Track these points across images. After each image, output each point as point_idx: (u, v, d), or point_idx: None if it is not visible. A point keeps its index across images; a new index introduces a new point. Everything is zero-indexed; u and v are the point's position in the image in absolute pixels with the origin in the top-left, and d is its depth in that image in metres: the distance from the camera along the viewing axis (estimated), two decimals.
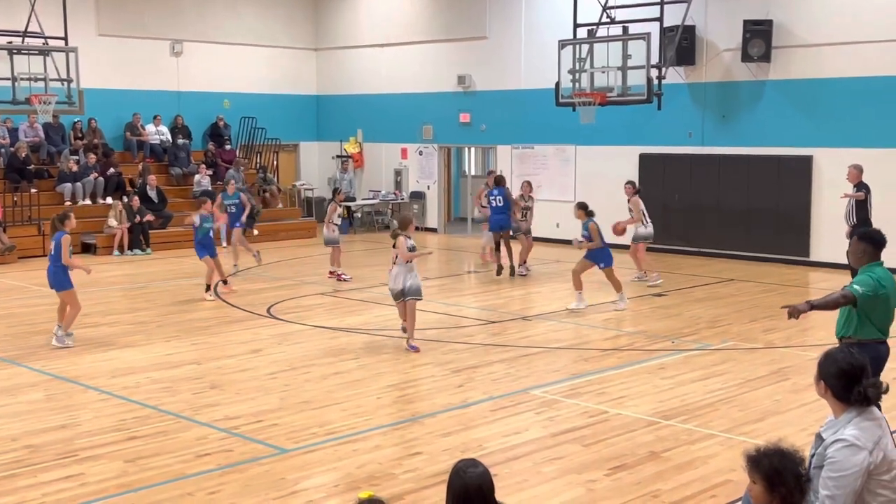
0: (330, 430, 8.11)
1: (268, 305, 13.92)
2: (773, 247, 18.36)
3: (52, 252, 11.33)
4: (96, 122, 22.38)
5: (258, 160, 25.09)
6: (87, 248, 19.97)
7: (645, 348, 11.27)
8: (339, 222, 16.83)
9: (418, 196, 24.87)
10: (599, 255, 13.49)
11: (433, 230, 24.50)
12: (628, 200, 15.99)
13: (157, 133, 23.55)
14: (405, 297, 10.94)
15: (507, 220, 16.99)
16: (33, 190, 20.61)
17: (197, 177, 22.90)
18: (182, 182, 23.22)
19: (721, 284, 15.98)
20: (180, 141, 23.65)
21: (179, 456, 7.44)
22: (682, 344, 11.41)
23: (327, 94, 26.64)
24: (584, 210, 13.71)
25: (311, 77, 26.75)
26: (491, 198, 17.08)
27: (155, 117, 23.48)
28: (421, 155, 24.75)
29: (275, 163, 25.68)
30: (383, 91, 25.13)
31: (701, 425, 8.20)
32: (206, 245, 14.66)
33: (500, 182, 17.31)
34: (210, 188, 22.17)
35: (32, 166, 20.88)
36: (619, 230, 15.35)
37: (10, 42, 17.81)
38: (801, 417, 8.44)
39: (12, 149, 20.76)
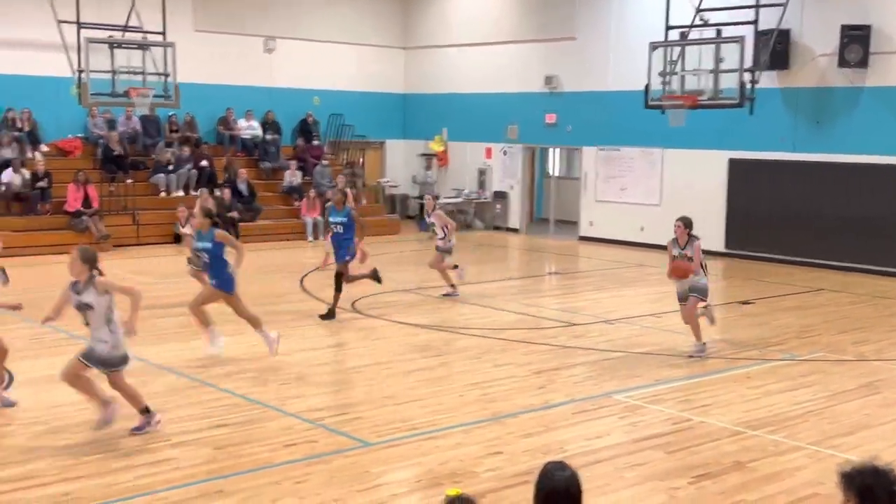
0: (412, 425, 8.20)
1: (352, 301, 14.10)
2: (865, 257, 17.90)
3: None
4: (191, 115, 22.93)
5: (345, 157, 25.44)
6: (178, 239, 20.49)
7: (731, 357, 11.11)
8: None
9: (501, 196, 24.90)
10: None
11: (515, 230, 24.50)
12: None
13: (248, 128, 24.03)
14: None
15: None
16: (129, 180, 21.25)
17: (287, 173, 23.31)
18: (271, 176, 23.65)
19: (810, 294, 15.65)
20: (270, 136, 24.10)
21: (267, 445, 7.61)
22: (769, 353, 11.22)
23: (414, 92, 26.83)
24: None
25: (399, 75, 26.99)
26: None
27: (247, 112, 23.96)
28: (505, 155, 24.76)
29: (361, 160, 25.99)
30: (470, 90, 25.21)
31: (788, 437, 8.07)
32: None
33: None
34: (299, 184, 22.59)
35: (129, 157, 21.54)
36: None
37: (111, 36, 18.35)
38: (893, 432, 8.23)
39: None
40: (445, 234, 14.68)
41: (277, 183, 23.42)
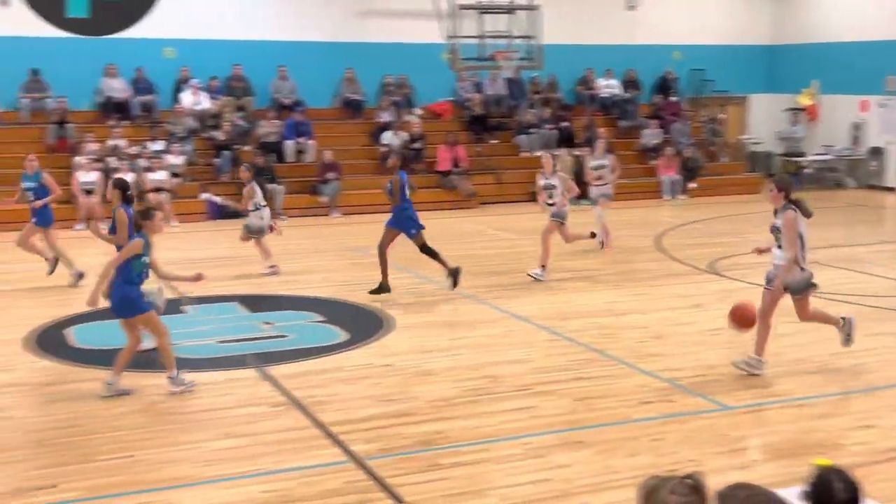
0: (773, 391, 7.96)
1: (708, 261, 13.83)
2: None
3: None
4: (554, 76, 23.44)
5: (705, 113, 24.79)
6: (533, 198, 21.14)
7: None
8: None
9: (877, 152, 23.04)
10: None
11: (891, 189, 22.60)
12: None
13: (607, 87, 24.14)
14: None
15: None
16: (493, 141, 22.22)
17: (645, 132, 23.18)
18: (628, 135, 23.63)
19: None
20: (629, 94, 24.05)
21: (624, 400, 7.76)
22: None
23: (781, 43, 25.46)
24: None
25: (765, 26, 25.74)
26: None
27: (606, 71, 24.07)
28: (883, 108, 22.84)
29: (722, 115, 25.19)
30: (844, 38, 23.47)
31: None
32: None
33: None
34: (657, 142, 22.39)
35: (493, 119, 22.53)
36: None
37: (480, 2, 19.16)
38: None
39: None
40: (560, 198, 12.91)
41: (635, 141, 23.36)
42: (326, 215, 19.66)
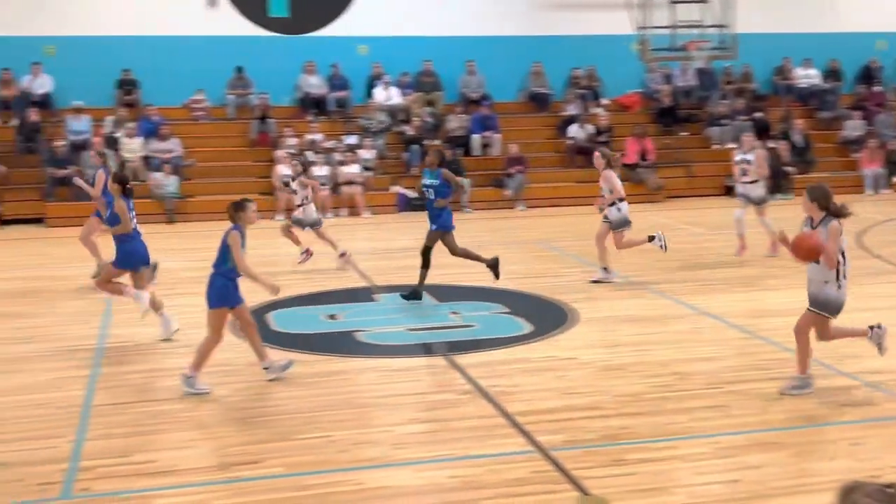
0: None
1: None
2: None
3: (218, 254, 7.99)
4: (749, 67, 22.65)
5: None
6: (730, 191, 20.51)
7: None
8: None
9: None
10: None
11: None
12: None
13: (805, 77, 23.12)
14: None
15: None
16: (682, 133, 21.72)
17: (847, 123, 22.07)
18: (828, 127, 22.55)
19: None
20: (829, 84, 22.95)
21: (821, 402, 7.44)
22: None
23: None
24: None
25: None
26: None
27: (804, 61, 23.06)
28: None
29: None
30: None
31: None
32: None
33: None
34: (860, 134, 21.26)
35: (682, 111, 22.02)
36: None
37: None
38: None
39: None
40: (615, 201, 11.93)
41: (835, 133, 22.27)
42: (511, 208, 19.79)
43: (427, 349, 9.27)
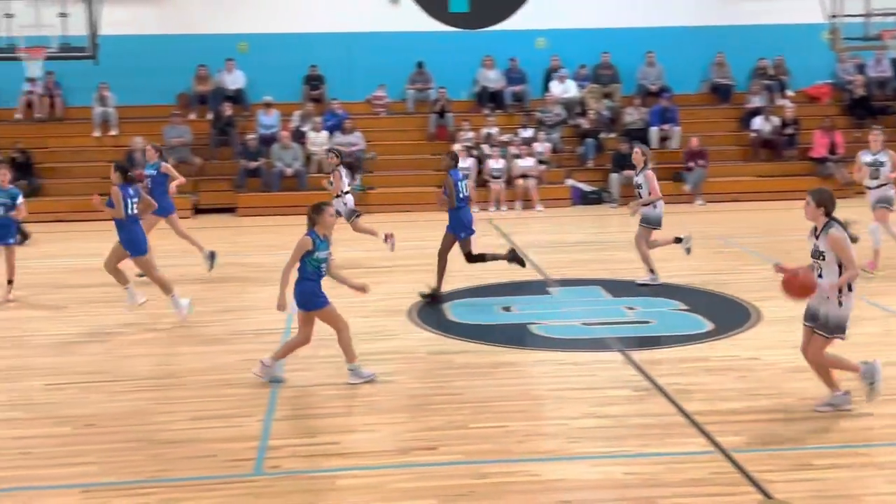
0: None
1: None
2: None
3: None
4: None
5: None
6: None
7: None
8: None
9: None
10: None
11: None
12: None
13: None
14: None
15: None
16: (875, 126, 20.55)
17: None
18: None
19: None
20: None
21: None
22: None
23: None
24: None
25: None
26: None
27: None
28: None
29: None
30: None
31: None
32: None
33: None
34: None
35: (876, 102, 20.90)
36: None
37: None
38: None
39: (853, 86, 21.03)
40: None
41: None
42: (690, 203, 19.32)
43: (602, 344, 9.20)
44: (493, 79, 21.77)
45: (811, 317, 6.97)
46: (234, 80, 21.32)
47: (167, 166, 12.92)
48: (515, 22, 21.97)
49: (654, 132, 20.71)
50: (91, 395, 7.91)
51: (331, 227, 7.90)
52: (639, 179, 11.65)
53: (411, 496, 5.86)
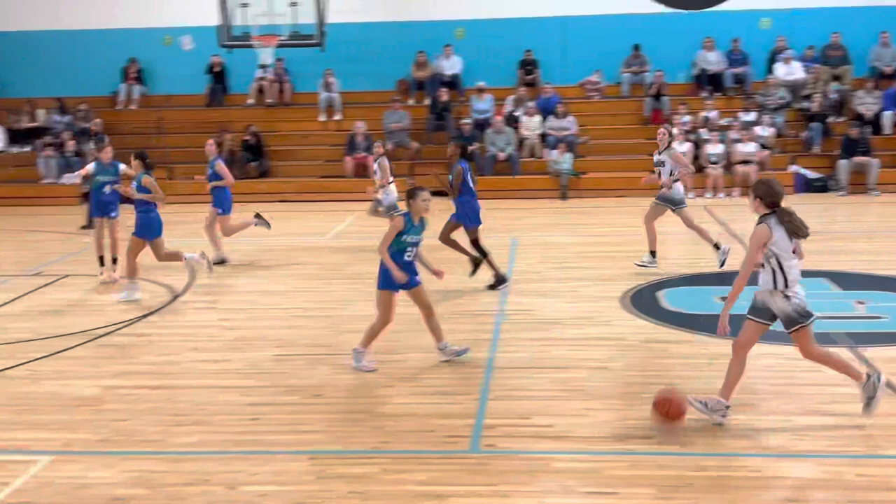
0: None
1: None
2: None
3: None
4: None
5: None
6: None
7: None
8: None
9: None
10: None
11: None
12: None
13: None
14: None
15: None
16: None
17: None
18: None
19: None
20: None
21: None
22: None
23: None
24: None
25: None
26: None
27: None
28: None
29: None
30: None
31: None
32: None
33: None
34: None
35: None
36: None
37: None
38: None
39: None
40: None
41: None
42: None
43: (829, 339, 8.75)
44: (712, 61, 21.10)
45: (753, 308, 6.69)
46: (451, 65, 21.70)
47: (221, 165, 12.95)
48: (738, 2, 21.11)
49: (887, 117, 19.46)
50: (317, 367, 8.30)
51: (423, 212, 7.98)
52: (662, 157, 11.60)
53: (628, 483, 5.81)
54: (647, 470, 6.00)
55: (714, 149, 18.81)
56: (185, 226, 15.39)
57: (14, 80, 22.59)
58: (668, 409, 6.39)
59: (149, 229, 11.08)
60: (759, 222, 6.54)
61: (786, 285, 6.48)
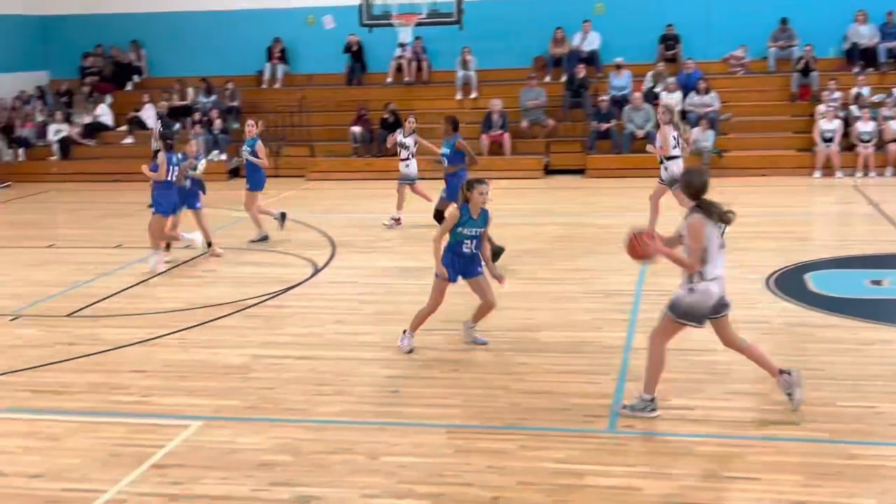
0: None
1: None
2: None
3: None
4: None
5: None
6: None
7: None
8: None
9: None
10: None
11: None
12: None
13: None
14: None
15: None
16: None
17: None
18: None
19: None
20: None
21: None
22: None
23: None
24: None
25: None
26: None
27: None
28: None
29: None
30: None
31: None
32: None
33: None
34: None
35: None
36: None
37: None
38: None
39: None
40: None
41: None
42: None
43: None
44: (865, 34, 20.14)
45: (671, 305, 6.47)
46: (590, 41, 21.40)
47: (260, 145, 13.08)
48: None
49: None
50: (454, 343, 8.38)
51: (479, 205, 7.85)
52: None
53: (774, 470, 5.67)
54: (794, 457, 5.84)
55: (865, 126, 17.99)
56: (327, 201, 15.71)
57: (163, 60, 23.52)
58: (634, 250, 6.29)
59: (166, 207, 11.77)
60: (689, 214, 6.28)
61: (701, 278, 6.24)
